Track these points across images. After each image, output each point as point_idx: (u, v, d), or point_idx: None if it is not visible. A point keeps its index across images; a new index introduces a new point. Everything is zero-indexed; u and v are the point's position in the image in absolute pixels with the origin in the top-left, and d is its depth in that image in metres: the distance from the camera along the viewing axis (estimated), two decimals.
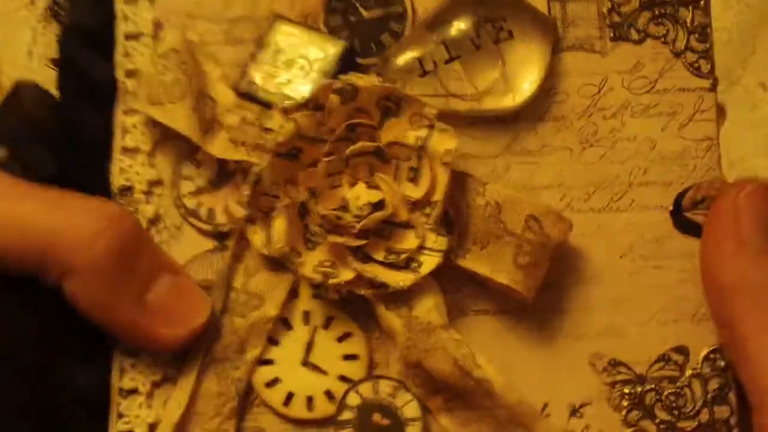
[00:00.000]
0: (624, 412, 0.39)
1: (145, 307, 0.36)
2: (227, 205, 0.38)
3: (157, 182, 0.40)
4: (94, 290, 0.35)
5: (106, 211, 0.36)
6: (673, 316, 0.39)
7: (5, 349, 0.37)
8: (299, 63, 0.39)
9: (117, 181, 0.39)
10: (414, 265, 0.37)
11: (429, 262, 0.37)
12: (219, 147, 0.38)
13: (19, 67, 0.64)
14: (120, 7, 0.41)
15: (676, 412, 0.39)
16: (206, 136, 0.38)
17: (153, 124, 0.40)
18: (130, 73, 0.40)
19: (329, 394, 0.38)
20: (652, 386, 0.39)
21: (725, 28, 0.74)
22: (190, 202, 0.39)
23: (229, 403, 0.38)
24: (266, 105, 0.39)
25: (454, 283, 0.39)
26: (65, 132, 0.40)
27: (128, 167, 0.39)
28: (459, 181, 0.38)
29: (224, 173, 0.39)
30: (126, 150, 0.39)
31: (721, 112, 0.44)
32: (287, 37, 0.39)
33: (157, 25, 0.41)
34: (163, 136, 0.40)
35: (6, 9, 0.64)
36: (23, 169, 0.39)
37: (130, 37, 0.40)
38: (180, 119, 0.38)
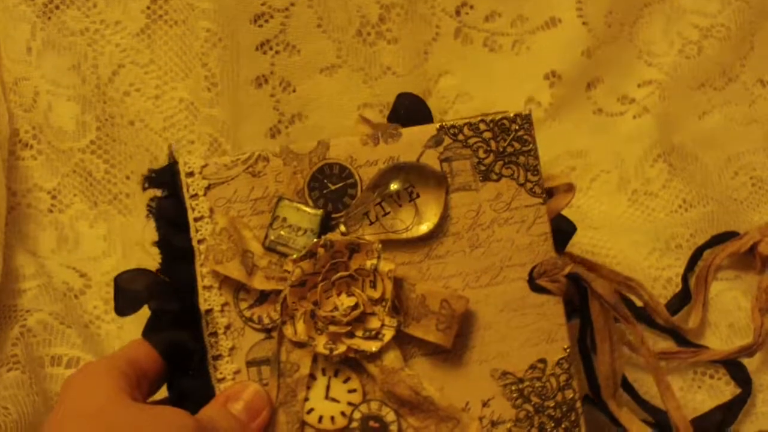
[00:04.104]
0: (513, 400, 0.62)
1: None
2: (269, 313, 0.62)
3: (225, 304, 0.62)
4: None
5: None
6: (535, 341, 0.62)
7: None
8: (296, 226, 0.61)
9: (203, 307, 0.62)
10: (380, 336, 0.60)
11: (388, 333, 0.60)
12: (258, 281, 0.61)
13: (19, 62, 0.73)
14: (188, 201, 0.62)
15: (543, 397, 0.62)
16: (250, 277, 0.61)
17: (218, 273, 0.61)
18: (200, 241, 0.62)
19: (343, 414, 0.61)
20: (528, 384, 0.62)
21: (724, 25, 0.77)
22: (247, 314, 0.62)
23: (293, 425, 0.61)
24: (282, 254, 0.61)
25: (405, 340, 0.61)
26: (167, 275, 0.62)
27: (208, 297, 0.62)
28: (399, 283, 0.61)
29: (264, 295, 0.62)
30: (205, 288, 0.62)
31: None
32: (287, 209, 0.61)
33: (211, 210, 0.62)
34: (225, 279, 0.61)
35: (6, 4, 0.72)
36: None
37: (197, 219, 0.62)
38: (233, 271, 0.61)
